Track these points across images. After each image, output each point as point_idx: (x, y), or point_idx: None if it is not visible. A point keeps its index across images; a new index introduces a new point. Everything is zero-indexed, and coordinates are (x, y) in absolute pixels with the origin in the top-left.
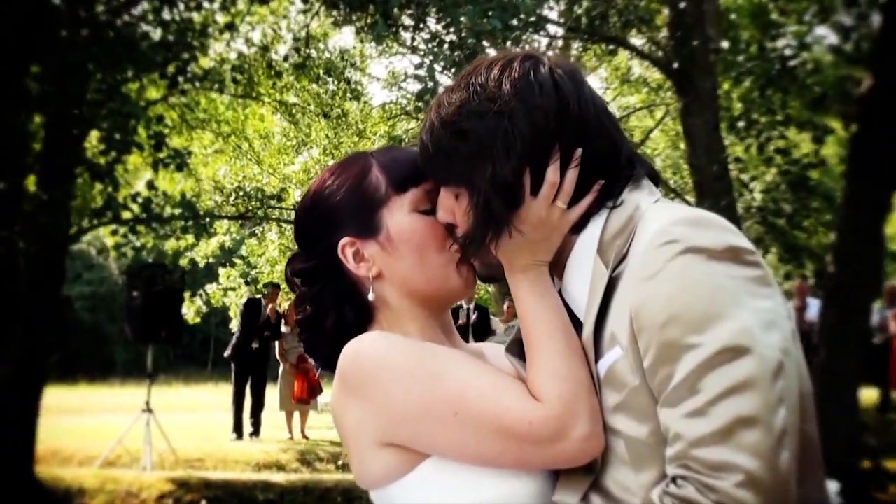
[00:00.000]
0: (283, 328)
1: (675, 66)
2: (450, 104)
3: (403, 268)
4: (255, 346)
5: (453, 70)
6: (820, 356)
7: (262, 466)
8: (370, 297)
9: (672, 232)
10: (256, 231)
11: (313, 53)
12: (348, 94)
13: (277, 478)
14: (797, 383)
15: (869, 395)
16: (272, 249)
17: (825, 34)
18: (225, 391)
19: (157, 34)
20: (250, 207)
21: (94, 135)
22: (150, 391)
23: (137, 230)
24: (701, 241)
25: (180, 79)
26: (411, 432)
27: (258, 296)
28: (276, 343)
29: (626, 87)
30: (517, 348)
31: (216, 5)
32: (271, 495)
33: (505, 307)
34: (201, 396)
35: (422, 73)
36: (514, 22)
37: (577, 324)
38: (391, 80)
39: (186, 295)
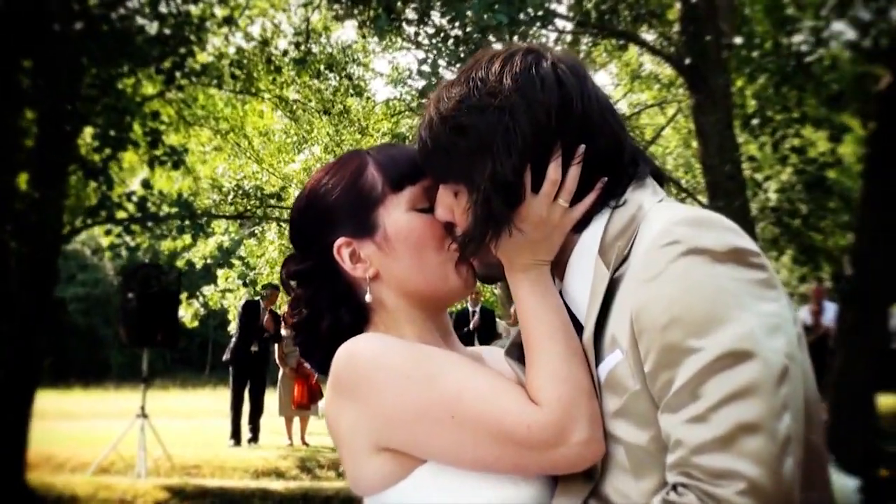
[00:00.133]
0: (283, 331)
1: (688, 61)
2: (449, 99)
3: (401, 268)
4: (254, 349)
5: (458, 66)
6: (836, 361)
7: (260, 474)
8: (367, 298)
9: (674, 232)
10: (255, 231)
11: (314, 48)
12: (350, 91)
13: (276, 485)
14: (802, 389)
15: (887, 401)
16: (272, 250)
17: (843, 29)
18: (223, 396)
19: (153, 28)
20: (249, 207)
21: (88, 131)
22: (145, 395)
23: (132, 230)
24: (704, 242)
25: (177, 74)
26: (407, 436)
27: (257, 298)
28: (276, 346)
29: (636, 83)
30: (517, 351)
31: None
32: None
33: (511, 310)
34: (198, 401)
35: (426, 68)
36: (521, 16)
37: (578, 326)
38: (395, 76)
39: (183, 297)
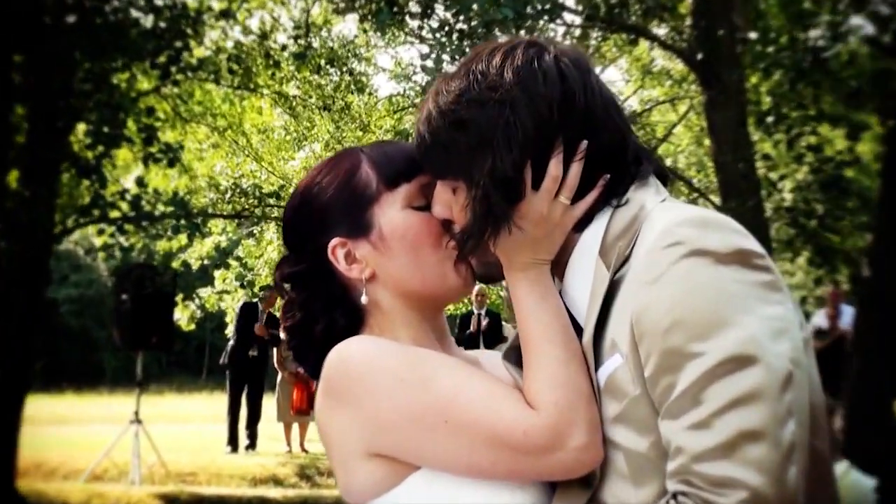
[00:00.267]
0: (283, 334)
1: (700, 57)
2: (448, 92)
3: (397, 267)
4: (253, 353)
5: None
6: (854, 366)
7: (258, 481)
8: (363, 300)
9: (676, 233)
10: (254, 231)
11: (315, 42)
12: (352, 86)
13: (275, 493)
14: (808, 396)
15: None
16: (270, 251)
17: (861, 24)
18: (220, 401)
19: (148, 21)
20: (247, 206)
21: (81, 128)
22: (139, 400)
23: (126, 229)
24: (707, 243)
25: (173, 69)
26: (399, 441)
27: (255, 299)
28: (275, 350)
29: (647, 79)
30: (515, 355)
31: None
32: None
33: None
34: (194, 406)
35: (429, 63)
36: (528, 10)
37: (578, 328)
38: (398, 72)
39: (179, 299)
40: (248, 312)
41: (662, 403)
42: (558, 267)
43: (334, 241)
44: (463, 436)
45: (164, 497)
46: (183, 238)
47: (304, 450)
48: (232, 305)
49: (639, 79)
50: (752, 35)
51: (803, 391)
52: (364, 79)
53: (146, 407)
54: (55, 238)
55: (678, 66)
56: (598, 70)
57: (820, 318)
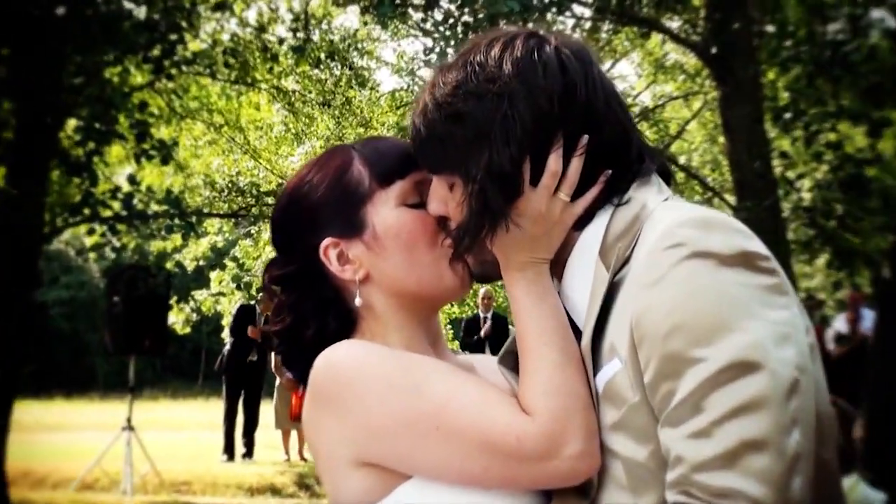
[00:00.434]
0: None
1: (715, 51)
2: (445, 84)
3: (392, 267)
4: (252, 359)
5: None
6: (873, 371)
7: (255, 490)
8: (356, 302)
9: (678, 234)
10: (251, 231)
11: (314, 35)
12: (353, 81)
13: (272, 503)
14: (814, 404)
15: None
16: (268, 251)
17: (882, 17)
18: (215, 407)
19: (141, 12)
20: (244, 205)
21: (71, 124)
22: (131, 406)
23: (118, 229)
24: (709, 244)
25: (167, 62)
26: (390, 449)
27: (252, 302)
28: (273, 355)
29: (660, 74)
30: (511, 360)
31: None
32: None
33: None
34: (189, 413)
35: (433, 57)
36: (535, 2)
37: (577, 330)
38: (400, 66)
39: (173, 301)
40: (245, 315)
41: (662, 411)
42: (557, 266)
43: (326, 242)
44: (455, 442)
45: None
46: (177, 238)
47: (302, 458)
48: (228, 308)
49: (651, 73)
50: (769, 28)
51: (809, 399)
52: (366, 73)
53: (139, 413)
54: (45, 238)
55: (692, 60)
56: (608, 64)
57: (840, 323)
